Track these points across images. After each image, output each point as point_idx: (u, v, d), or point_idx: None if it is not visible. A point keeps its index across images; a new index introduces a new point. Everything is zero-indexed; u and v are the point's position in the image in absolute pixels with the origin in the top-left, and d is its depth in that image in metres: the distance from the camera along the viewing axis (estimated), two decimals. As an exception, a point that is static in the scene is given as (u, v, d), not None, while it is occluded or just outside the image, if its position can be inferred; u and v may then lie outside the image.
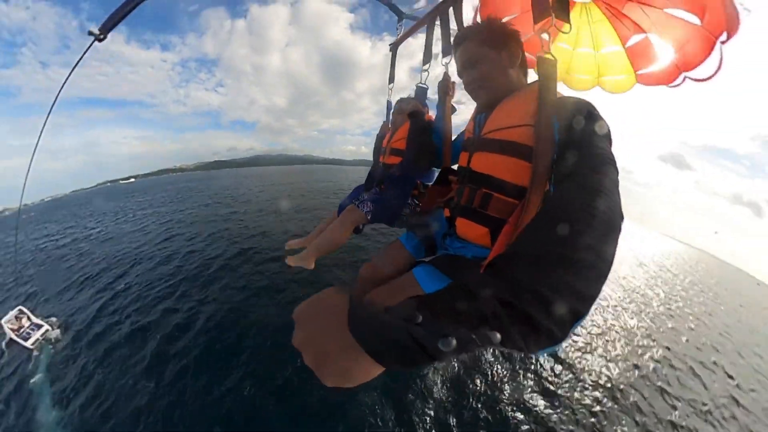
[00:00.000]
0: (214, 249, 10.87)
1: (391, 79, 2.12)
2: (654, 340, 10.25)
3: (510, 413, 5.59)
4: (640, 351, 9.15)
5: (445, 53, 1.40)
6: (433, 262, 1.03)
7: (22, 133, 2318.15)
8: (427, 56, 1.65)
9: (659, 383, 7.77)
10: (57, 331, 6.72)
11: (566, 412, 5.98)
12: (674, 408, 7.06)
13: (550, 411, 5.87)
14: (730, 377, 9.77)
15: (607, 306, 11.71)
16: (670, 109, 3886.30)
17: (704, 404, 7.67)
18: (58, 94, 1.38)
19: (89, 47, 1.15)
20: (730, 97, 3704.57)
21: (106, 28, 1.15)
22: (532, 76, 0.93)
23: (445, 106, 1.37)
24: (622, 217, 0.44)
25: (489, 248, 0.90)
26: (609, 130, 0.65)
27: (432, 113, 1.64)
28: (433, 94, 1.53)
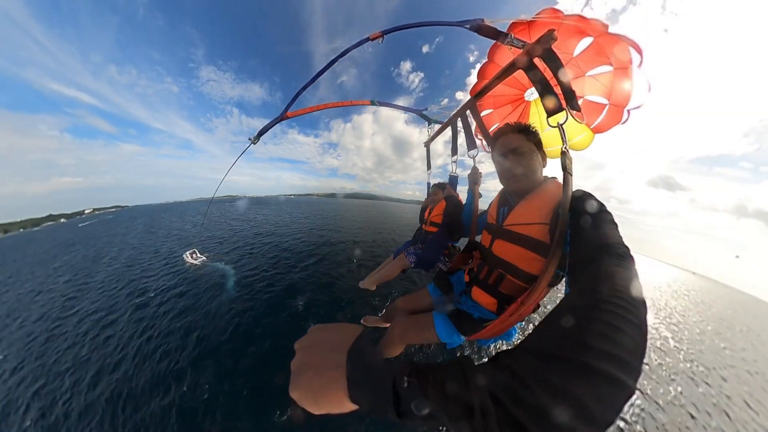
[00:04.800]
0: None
1: (429, 167, 2.51)
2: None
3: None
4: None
5: (470, 147, 1.59)
6: (449, 313, 1.24)
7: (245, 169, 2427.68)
8: (454, 150, 1.86)
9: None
10: (203, 258, 14.49)
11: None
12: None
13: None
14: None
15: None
16: (654, 133, 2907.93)
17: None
18: (230, 168, 1.99)
19: (247, 148, 1.78)
20: (706, 96, 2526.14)
21: (258, 136, 1.78)
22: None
23: (474, 194, 1.57)
24: (638, 297, 0.37)
25: (494, 313, 1.10)
26: (610, 213, 0.68)
27: (461, 195, 2.05)
28: (462, 181, 1.84)
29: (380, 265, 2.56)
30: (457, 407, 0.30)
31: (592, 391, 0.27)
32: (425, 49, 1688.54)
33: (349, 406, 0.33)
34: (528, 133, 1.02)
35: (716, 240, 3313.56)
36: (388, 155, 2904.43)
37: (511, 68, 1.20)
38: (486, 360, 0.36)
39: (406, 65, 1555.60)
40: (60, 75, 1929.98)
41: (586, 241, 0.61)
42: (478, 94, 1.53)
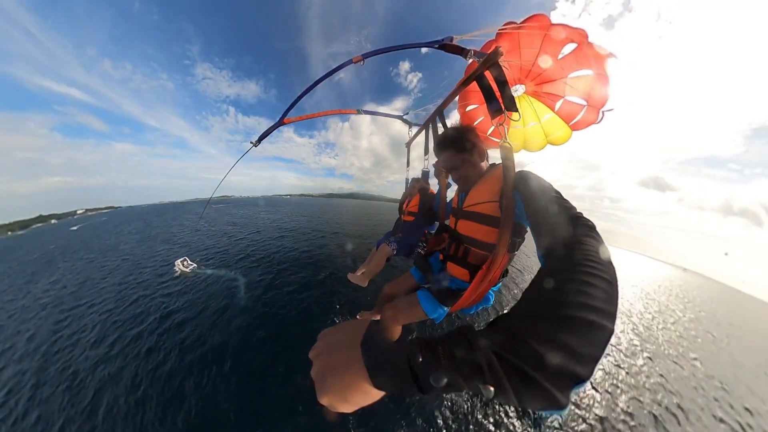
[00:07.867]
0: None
1: (408, 165, 2.96)
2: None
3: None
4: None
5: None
6: (429, 289, 1.47)
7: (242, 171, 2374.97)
8: (426, 150, 2.23)
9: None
10: (194, 265, 14.51)
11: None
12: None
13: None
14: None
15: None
16: (646, 135, 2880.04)
17: None
18: (232, 168, 2.14)
19: (248, 150, 1.95)
20: (697, 101, 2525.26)
21: (259, 140, 1.95)
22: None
23: (442, 185, 1.84)
24: (606, 259, 0.43)
25: (467, 282, 1.28)
26: (549, 184, 0.79)
27: (433, 187, 2.30)
28: (433, 176, 2.03)
29: (367, 259, 2.83)
30: (468, 369, 0.33)
31: (576, 336, 0.32)
32: (424, 50, 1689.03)
33: (376, 394, 0.35)
34: (458, 147, 1.23)
35: (705, 237, 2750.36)
36: (386, 155, 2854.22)
37: (468, 79, 1.39)
38: (484, 326, 0.41)
39: (405, 65, 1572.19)
40: (51, 71, 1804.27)
41: (543, 213, 0.69)
42: (444, 102, 1.82)
